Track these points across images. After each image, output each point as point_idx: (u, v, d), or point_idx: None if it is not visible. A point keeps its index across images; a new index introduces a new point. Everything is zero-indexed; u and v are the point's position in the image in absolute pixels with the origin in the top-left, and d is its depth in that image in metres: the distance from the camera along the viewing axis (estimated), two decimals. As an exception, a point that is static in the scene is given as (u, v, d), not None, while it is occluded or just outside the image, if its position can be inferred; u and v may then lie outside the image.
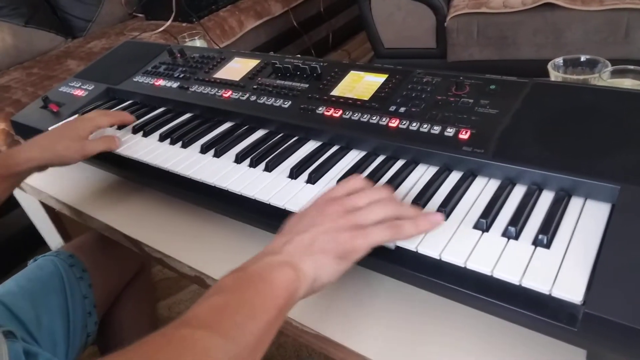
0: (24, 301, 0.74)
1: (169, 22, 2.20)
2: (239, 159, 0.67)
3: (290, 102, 0.72)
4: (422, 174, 0.58)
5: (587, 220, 0.46)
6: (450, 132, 0.58)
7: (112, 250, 0.91)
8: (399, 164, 0.60)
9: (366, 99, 0.68)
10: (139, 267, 1.01)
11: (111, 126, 0.83)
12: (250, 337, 0.39)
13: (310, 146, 0.67)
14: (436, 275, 0.46)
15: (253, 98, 0.77)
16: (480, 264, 0.44)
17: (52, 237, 1.14)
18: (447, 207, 0.50)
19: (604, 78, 0.68)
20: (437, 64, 1.94)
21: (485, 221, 0.47)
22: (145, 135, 0.80)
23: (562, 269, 0.41)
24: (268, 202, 0.59)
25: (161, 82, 0.90)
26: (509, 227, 0.46)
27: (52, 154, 0.72)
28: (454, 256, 0.45)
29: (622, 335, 0.36)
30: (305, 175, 0.61)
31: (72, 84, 1.02)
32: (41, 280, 0.79)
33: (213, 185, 0.64)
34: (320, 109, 0.69)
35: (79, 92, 0.98)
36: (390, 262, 0.48)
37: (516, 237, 0.46)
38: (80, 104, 0.93)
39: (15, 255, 1.40)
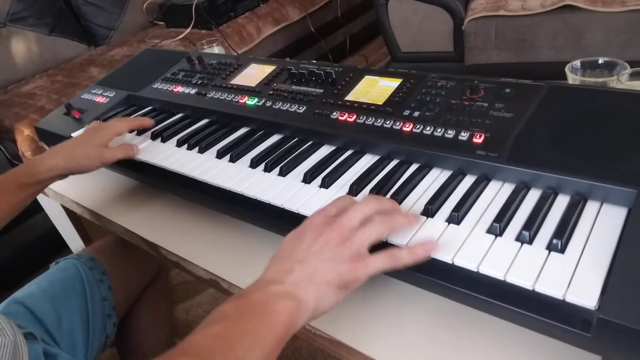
0: (45, 303, 0.76)
1: (188, 30, 2.23)
2: (254, 163, 0.68)
3: (305, 107, 0.73)
4: (436, 178, 0.58)
5: (603, 225, 0.45)
6: (464, 136, 0.57)
7: (131, 254, 0.93)
8: (413, 168, 0.60)
9: (380, 103, 0.68)
10: (158, 270, 1.03)
11: (131, 132, 0.85)
12: None
13: (324, 151, 0.68)
14: (449, 280, 0.46)
15: (269, 104, 0.77)
16: (493, 269, 0.43)
17: (73, 240, 1.17)
18: (460, 211, 0.50)
19: (622, 80, 0.67)
20: (454, 67, 1.93)
21: (498, 225, 0.47)
22: (164, 140, 0.81)
23: (577, 274, 0.41)
24: (282, 206, 0.59)
25: (180, 89, 0.92)
26: (523, 232, 0.46)
27: (72, 162, 0.74)
28: (467, 261, 0.45)
29: (637, 341, 0.35)
30: (318, 180, 0.61)
31: (94, 91, 1.04)
32: (62, 282, 0.81)
33: (228, 189, 0.65)
34: (334, 113, 0.69)
35: (100, 99, 1.00)
36: (405, 268, 0.48)
37: (530, 242, 0.45)
38: (101, 111, 0.96)
39: (39, 258, 1.43)
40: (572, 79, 0.73)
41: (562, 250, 0.43)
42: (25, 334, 0.58)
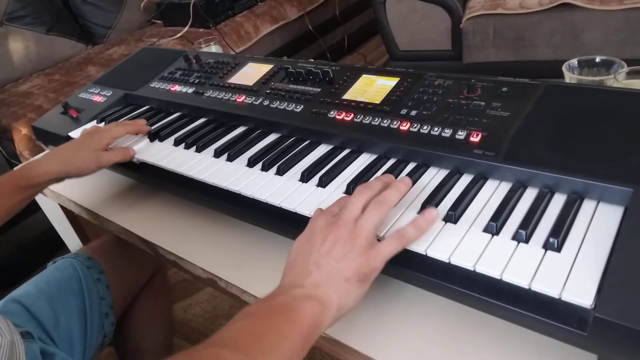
0: (42, 302, 0.76)
1: (186, 28, 2.23)
2: (251, 162, 0.68)
3: (302, 106, 0.73)
4: (433, 177, 0.58)
5: (599, 224, 0.45)
6: (461, 135, 0.57)
7: (129, 253, 0.93)
8: (410, 167, 0.60)
9: (377, 102, 0.68)
10: (155, 269, 1.03)
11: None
12: None
13: (322, 150, 0.68)
14: (445, 279, 0.46)
15: (266, 102, 0.77)
16: (489, 268, 0.43)
17: (71, 239, 1.16)
18: (457, 211, 0.50)
19: (619, 79, 0.67)
20: (453, 66, 1.92)
21: (495, 224, 0.47)
22: (161, 140, 0.81)
23: (573, 272, 0.41)
24: (279, 205, 0.59)
25: (177, 88, 0.91)
26: (520, 231, 0.46)
27: (69, 166, 0.74)
28: (463, 259, 0.45)
29: (632, 340, 0.35)
30: (316, 179, 0.61)
31: (91, 90, 1.04)
32: (59, 281, 0.81)
33: (225, 188, 0.65)
34: (331, 112, 0.69)
35: (97, 98, 1.00)
36: (400, 265, 0.48)
37: (526, 241, 0.45)
38: (99, 110, 0.96)
39: (37, 257, 1.43)
40: (569, 77, 0.73)
41: (558, 249, 0.44)
42: (23, 333, 0.58)
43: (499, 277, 0.43)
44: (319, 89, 0.75)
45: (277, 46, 2.45)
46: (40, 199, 1.10)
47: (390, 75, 0.72)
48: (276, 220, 0.60)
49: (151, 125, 0.86)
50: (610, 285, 0.38)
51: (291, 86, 0.78)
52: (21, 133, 1.69)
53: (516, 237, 0.46)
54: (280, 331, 0.42)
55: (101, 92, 1.02)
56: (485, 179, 0.55)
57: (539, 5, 1.65)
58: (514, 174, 0.52)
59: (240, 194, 0.63)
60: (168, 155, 0.76)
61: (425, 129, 0.60)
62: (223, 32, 2.17)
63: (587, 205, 0.48)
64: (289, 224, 0.58)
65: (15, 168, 1.00)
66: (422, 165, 0.60)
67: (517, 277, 0.42)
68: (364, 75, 0.74)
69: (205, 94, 0.86)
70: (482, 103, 0.61)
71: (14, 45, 2.15)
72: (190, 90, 0.89)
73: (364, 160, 0.64)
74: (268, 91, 0.80)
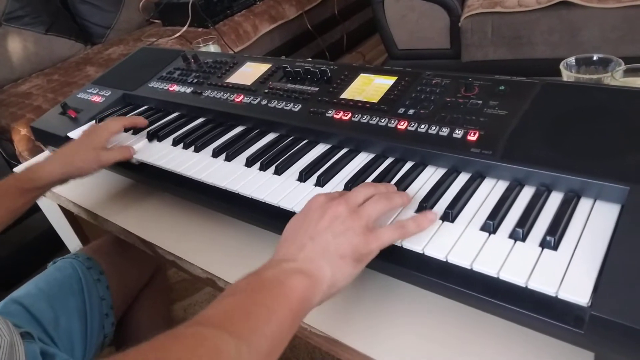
0: (42, 303, 0.76)
1: (185, 28, 2.23)
2: (249, 162, 0.68)
3: (300, 106, 0.73)
4: (430, 175, 0.58)
5: (596, 222, 0.45)
6: (458, 133, 0.58)
7: (129, 253, 0.93)
8: (408, 165, 0.60)
9: (375, 101, 0.68)
10: (155, 269, 1.03)
11: (126, 131, 0.85)
12: (263, 339, 0.39)
13: (320, 149, 0.68)
14: (443, 277, 0.46)
15: (264, 102, 0.77)
16: (486, 266, 0.44)
17: (71, 240, 1.17)
18: (454, 209, 0.50)
19: (616, 77, 0.67)
20: (451, 64, 1.92)
21: (492, 223, 0.47)
22: (159, 140, 0.81)
23: (569, 270, 0.41)
24: (277, 205, 0.59)
25: (175, 88, 0.92)
26: (517, 229, 0.46)
27: (71, 167, 0.75)
28: (461, 258, 0.45)
29: (629, 337, 0.36)
30: (314, 179, 0.62)
31: (90, 91, 1.04)
32: (59, 282, 0.81)
33: (224, 188, 0.65)
34: (329, 112, 0.69)
35: (96, 98, 1.00)
36: (398, 264, 0.49)
37: (523, 239, 0.46)
38: (97, 110, 0.96)
39: (37, 258, 1.43)
40: (567, 75, 0.73)
41: (555, 247, 0.44)
42: (22, 333, 0.58)
43: (496, 276, 0.43)
44: (317, 88, 0.75)
45: (276, 45, 2.45)
46: (39, 199, 1.10)
47: (387, 74, 0.72)
48: (274, 220, 0.60)
49: (150, 125, 0.86)
50: (606, 283, 0.38)
51: (289, 85, 0.78)
52: (20, 133, 1.69)
53: (513, 236, 0.46)
54: (268, 307, 0.41)
55: (100, 92, 1.02)
56: (483, 178, 0.55)
57: (537, 4, 1.65)
58: (511, 172, 0.53)
59: (238, 193, 0.63)
60: (166, 155, 0.76)
61: (422, 128, 0.60)
62: (222, 31, 2.17)
63: (584, 204, 0.48)
64: (287, 223, 0.58)
65: (16, 169, 1.01)
66: (419, 164, 0.60)
67: (514, 275, 0.42)
68: (361, 75, 0.75)
69: (203, 94, 0.86)
70: (480, 102, 0.61)
71: (13, 46, 2.15)
72: (189, 90, 0.89)
73: (362, 159, 0.64)
74: (266, 91, 0.80)
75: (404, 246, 0.48)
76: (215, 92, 0.85)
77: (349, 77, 0.75)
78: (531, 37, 1.70)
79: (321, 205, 0.48)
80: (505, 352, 0.47)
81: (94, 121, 0.93)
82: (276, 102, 0.76)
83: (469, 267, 0.44)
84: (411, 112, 0.64)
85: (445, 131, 0.59)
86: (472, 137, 0.56)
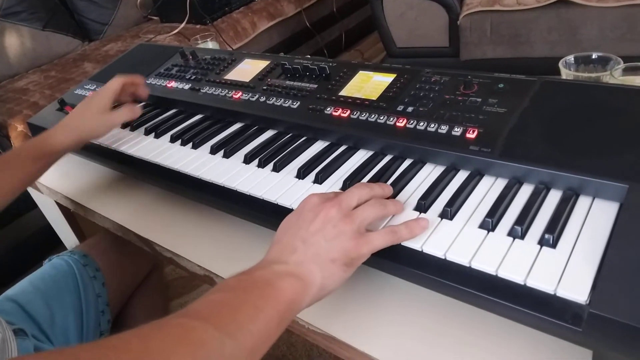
0: (37, 300, 0.76)
1: (182, 25, 2.22)
2: (247, 159, 0.68)
3: (299, 103, 0.73)
4: (429, 173, 0.58)
5: (594, 220, 0.45)
6: (457, 131, 0.57)
7: (125, 250, 0.92)
8: (406, 163, 0.60)
9: (374, 98, 0.68)
10: (152, 266, 1.03)
11: (123, 127, 0.85)
12: (249, 337, 0.39)
13: (318, 146, 0.68)
14: (441, 275, 0.46)
15: (262, 99, 0.77)
16: (484, 264, 0.44)
17: (67, 237, 1.16)
18: (452, 207, 0.50)
19: (615, 76, 0.67)
20: (450, 62, 1.92)
21: (491, 220, 0.47)
22: (157, 136, 0.81)
23: (568, 268, 0.41)
24: (276, 202, 0.59)
25: (173, 84, 0.91)
26: (515, 227, 0.46)
27: (82, 132, 0.77)
28: (459, 256, 0.45)
29: (627, 335, 0.36)
30: (312, 176, 0.61)
31: (87, 87, 1.04)
32: (55, 279, 0.80)
33: (222, 185, 0.65)
34: (328, 109, 0.69)
35: (93, 95, 0.99)
36: (396, 261, 0.48)
37: (522, 237, 0.45)
38: (94, 106, 0.95)
39: (33, 255, 1.43)
40: (566, 74, 0.73)
41: (553, 245, 0.44)
42: (16, 330, 0.57)
43: (494, 273, 0.43)
44: (315, 86, 0.75)
45: (275, 43, 2.44)
46: (36, 196, 1.10)
47: (386, 72, 0.72)
48: (272, 217, 0.59)
49: (147, 121, 0.86)
50: (605, 281, 0.38)
51: (288, 82, 0.78)
52: (17, 130, 1.68)
53: (512, 233, 0.46)
54: (257, 305, 0.41)
55: (97, 89, 1.01)
56: (482, 175, 0.55)
57: (536, 2, 1.65)
58: (510, 170, 0.52)
59: (236, 190, 0.63)
60: (164, 152, 0.76)
61: (421, 126, 0.60)
62: (220, 28, 2.17)
63: (583, 202, 0.48)
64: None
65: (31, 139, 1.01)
66: (418, 162, 0.60)
67: (513, 273, 0.42)
68: (360, 72, 0.74)
69: (201, 91, 0.86)
70: (479, 99, 0.61)
71: (10, 41, 2.14)
72: (187, 86, 0.89)
73: (361, 156, 0.64)
74: (265, 87, 0.79)
75: (402, 243, 0.48)
76: (214, 88, 0.85)
77: (348, 75, 0.75)
78: (530, 35, 1.70)
79: (315, 206, 0.48)
80: (503, 349, 0.47)
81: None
82: (275, 99, 0.76)
83: (467, 265, 0.44)
84: (410, 109, 0.63)
85: (444, 129, 0.58)
86: (471, 134, 0.56)
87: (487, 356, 0.47)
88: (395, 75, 0.71)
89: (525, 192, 0.51)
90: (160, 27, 2.33)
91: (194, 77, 0.90)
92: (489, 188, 0.53)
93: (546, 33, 1.67)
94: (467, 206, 0.51)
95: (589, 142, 0.50)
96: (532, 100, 0.57)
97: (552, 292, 0.40)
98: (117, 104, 0.84)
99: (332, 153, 0.65)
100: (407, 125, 0.61)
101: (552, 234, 0.44)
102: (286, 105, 0.74)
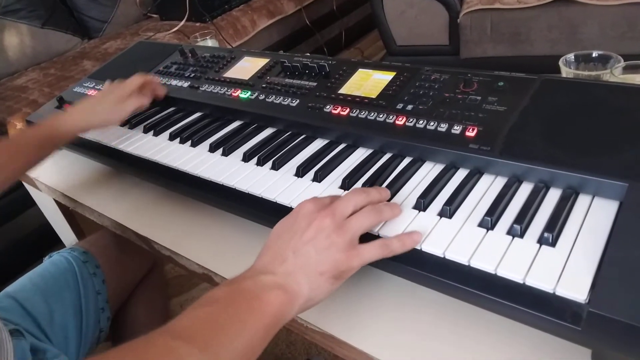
0: (36, 297, 0.76)
1: (182, 22, 2.22)
2: (246, 157, 0.68)
3: (298, 101, 0.73)
4: (429, 171, 0.57)
5: (594, 218, 0.45)
6: (457, 129, 0.57)
7: (125, 247, 0.92)
8: (406, 161, 0.60)
9: (373, 96, 0.68)
10: (152, 264, 1.02)
11: (122, 125, 0.85)
12: (233, 353, 0.39)
13: (317, 144, 0.68)
14: (440, 273, 0.46)
15: (262, 97, 0.77)
16: (483, 262, 0.43)
17: (66, 235, 1.16)
18: (452, 205, 0.50)
19: (615, 74, 0.67)
20: (450, 60, 1.92)
21: (490, 219, 0.47)
22: (156, 134, 0.81)
23: (567, 267, 0.41)
24: (274, 200, 0.59)
25: (172, 82, 0.91)
26: (514, 225, 0.46)
27: (93, 117, 0.79)
28: (458, 254, 0.45)
29: (626, 334, 0.35)
30: (311, 174, 0.61)
31: (87, 85, 1.03)
32: (54, 276, 0.80)
33: (220, 183, 0.65)
34: (327, 107, 0.69)
35: (92, 92, 0.99)
36: (394, 260, 0.48)
37: (521, 235, 0.45)
38: (93, 104, 0.95)
39: (32, 253, 1.43)
40: (566, 72, 0.73)
41: (553, 244, 0.43)
42: (12, 330, 0.57)
43: (493, 272, 0.43)
44: (315, 83, 0.75)
45: (274, 41, 2.44)
46: (35, 194, 1.10)
47: (386, 70, 0.72)
48: (271, 215, 0.59)
49: (146, 119, 0.86)
50: (604, 280, 0.38)
51: (287, 80, 0.78)
52: (16, 127, 1.68)
53: (511, 232, 0.46)
54: (242, 320, 0.41)
55: (96, 87, 1.01)
56: (481, 174, 0.55)
57: (537, 0, 1.65)
58: (510, 168, 0.52)
59: (235, 188, 0.63)
60: (163, 149, 0.75)
61: (421, 124, 0.60)
62: (219, 26, 2.16)
63: (582, 200, 0.48)
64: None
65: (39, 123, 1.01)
66: (417, 160, 0.59)
67: (512, 271, 0.42)
68: (360, 70, 0.74)
69: (200, 88, 0.85)
70: (479, 97, 0.60)
71: (9, 39, 2.14)
72: (186, 84, 0.88)
73: (360, 154, 0.64)
74: (264, 85, 0.79)
75: (401, 242, 0.48)
76: (213, 86, 0.85)
77: (348, 72, 0.74)
78: (530, 34, 1.70)
79: (309, 214, 0.47)
80: (502, 348, 0.47)
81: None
82: (274, 97, 0.76)
83: (466, 264, 0.44)
84: (410, 107, 0.63)
85: (443, 127, 0.58)
86: (471, 132, 0.56)
87: (486, 355, 0.47)
88: (394, 73, 0.70)
89: (524, 190, 0.51)
90: (159, 24, 2.33)
91: (193, 75, 0.90)
92: (489, 186, 0.53)
93: (546, 31, 1.67)
94: (466, 204, 0.51)
95: (589, 141, 0.50)
96: (532, 99, 0.57)
97: (552, 291, 0.40)
98: None
99: (331, 151, 0.65)
100: (407, 124, 0.61)
101: (552, 232, 0.44)
102: (285, 103, 0.73)
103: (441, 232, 0.48)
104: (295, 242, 0.46)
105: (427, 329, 0.50)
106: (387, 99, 0.66)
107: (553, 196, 0.49)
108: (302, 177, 0.62)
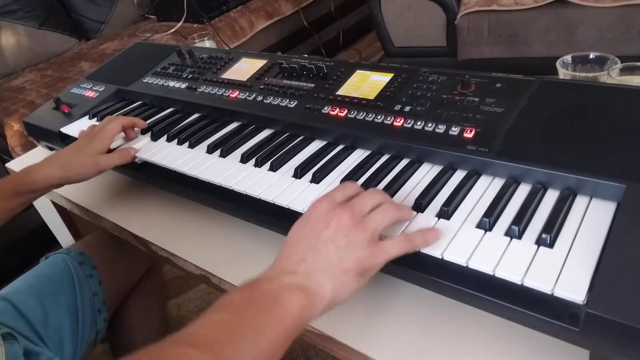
0: (31, 299, 0.75)
1: (180, 23, 2.21)
2: (244, 158, 0.67)
3: (296, 102, 0.73)
4: (426, 172, 0.57)
5: (592, 219, 0.45)
6: (455, 130, 0.57)
7: (122, 249, 0.92)
8: (404, 162, 0.60)
9: (371, 98, 0.68)
10: (150, 265, 1.02)
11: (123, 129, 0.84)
12: None
13: (315, 146, 0.68)
14: (438, 275, 0.46)
15: (260, 98, 0.77)
16: (482, 263, 0.43)
17: (63, 236, 1.16)
18: (450, 206, 0.50)
19: (612, 75, 0.67)
20: (447, 62, 1.92)
21: (488, 220, 0.47)
22: (154, 135, 0.80)
23: (565, 268, 0.41)
24: (272, 202, 0.59)
25: (170, 83, 0.91)
26: (512, 226, 0.46)
27: (69, 172, 0.72)
28: (456, 255, 0.45)
29: (624, 335, 0.36)
30: (309, 175, 0.61)
31: (84, 85, 1.03)
32: (50, 278, 0.80)
33: (218, 185, 0.64)
34: (325, 108, 0.69)
35: (90, 94, 0.99)
36: (393, 261, 0.48)
37: (519, 237, 0.45)
38: (91, 105, 0.95)
39: (29, 254, 1.42)
40: (563, 73, 0.73)
41: (551, 245, 0.44)
42: (4, 334, 0.57)
43: (491, 273, 0.43)
44: (313, 85, 0.75)
45: (272, 42, 2.44)
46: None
47: (384, 71, 0.72)
48: (269, 217, 0.59)
49: (144, 120, 0.85)
50: (602, 281, 0.38)
51: (285, 82, 0.78)
52: (13, 129, 1.68)
53: (509, 233, 0.46)
54: (259, 327, 0.39)
55: (93, 88, 1.01)
56: (479, 175, 0.55)
57: (534, 2, 1.65)
58: (507, 169, 0.52)
59: (233, 190, 0.63)
60: (160, 151, 0.75)
61: (419, 125, 0.60)
62: (217, 27, 2.16)
63: (580, 201, 0.48)
64: (282, 220, 0.58)
65: (9, 165, 1.00)
66: (415, 161, 0.59)
67: (510, 272, 0.42)
68: (358, 71, 0.74)
69: (198, 90, 0.85)
70: (476, 99, 0.60)
71: (6, 40, 2.14)
72: (184, 85, 0.88)
73: (358, 156, 0.64)
74: (262, 86, 0.79)
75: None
76: (211, 87, 0.84)
77: (345, 74, 0.75)
78: (528, 35, 1.70)
79: (326, 212, 0.46)
80: (500, 349, 0.47)
81: (87, 117, 0.91)
82: (272, 98, 0.75)
83: (464, 265, 0.44)
84: (407, 109, 0.63)
85: (441, 128, 0.58)
86: (469, 134, 0.56)
87: (483, 357, 0.47)
88: (392, 74, 0.70)
89: (522, 191, 0.51)
90: (157, 25, 2.33)
91: (190, 76, 0.90)
92: (487, 188, 0.53)
93: (544, 33, 1.67)
94: (464, 206, 0.51)
95: (587, 142, 0.50)
96: (530, 100, 0.57)
97: (550, 292, 0.40)
98: None
99: (329, 152, 0.65)
100: (405, 125, 0.61)
101: (550, 233, 0.44)
102: (283, 104, 0.73)
103: (443, 234, 0.48)
104: (314, 241, 0.44)
105: (425, 329, 0.50)
106: (385, 101, 0.66)
107: (551, 197, 0.49)
108: (300, 178, 0.62)
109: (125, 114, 0.89)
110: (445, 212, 0.50)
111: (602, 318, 0.36)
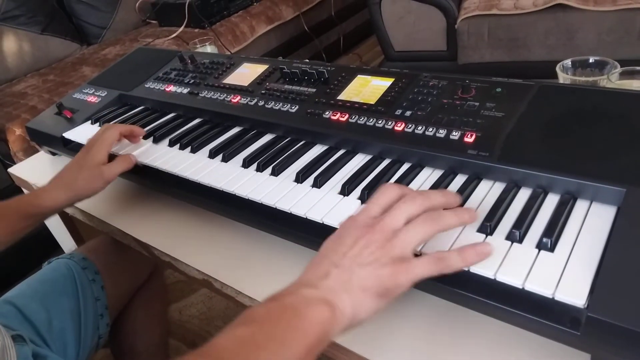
0: (35, 303, 0.75)
1: (181, 29, 2.22)
2: (246, 163, 0.68)
3: (297, 107, 0.73)
4: (427, 177, 0.58)
5: (592, 223, 0.46)
6: (455, 135, 0.58)
7: (125, 253, 0.92)
8: (404, 167, 0.60)
9: (372, 103, 0.68)
10: (152, 269, 1.02)
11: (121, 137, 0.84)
12: None
13: (317, 150, 0.68)
14: (439, 279, 0.45)
15: (261, 103, 0.77)
16: (483, 268, 0.44)
17: (66, 241, 1.16)
18: (451, 211, 0.50)
19: (612, 79, 0.67)
20: (447, 66, 1.93)
21: (489, 224, 0.47)
22: (156, 140, 0.81)
23: (566, 272, 0.41)
24: (274, 206, 0.59)
25: (172, 88, 0.91)
26: (513, 231, 0.46)
27: (75, 191, 0.72)
28: (457, 260, 0.45)
29: (625, 339, 0.36)
30: (311, 180, 0.61)
31: (86, 91, 1.04)
32: (53, 282, 0.80)
33: (220, 189, 0.65)
34: (326, 113, 0.69)
35: (92, 99, 1.00)
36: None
37: (520, 241, 0.46)
38: (93, 110, 0.95)
39: (32, 259, 1.42)
40: (563, 78, 0.74)
41: (551, 249, 0.44)
42: (14, 336, 0.57)
43: (492, 277, 0.43)
44: (314, 90, 0.75)
45: (273, 46, 2.45)
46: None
47: (385, 76, 0.72)
48: (271, 221, 0.60)
49: (146, 125, 0.86)
50: (603, 284, 0.39)
51: (286, 86, 0.78)
52: (15, 134, 1.68)
53: (510, 237, 0.46)
54: (282, 341, 0.38)
55: (96, 93, 1.01)
56: (480, 179, 0.55)
57: (534, 6, 1.66)
58: (508, 174, 0.53)
59: (235, 194, 0.63)
60: (163, 156, 0.76)
61: (419, 130, 0.60)
62: (218, 32, 2.17)
63: (580, 205, 0.48)
64: (283, 224, 0.58)
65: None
66: (416, 166, 0.60)
67: (511, 276, 0.42)
68: (359, 76, 0.75)
69: (200, 95, 0.86)
70: (477, 103, 0.61)
71: (8, 45, 2.15)
72: (185, 90, 0.89)
73: (359, 160, 0.64)
74: (263, 91, 0.80)
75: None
76: (212, 92, 0.85)
77: (346, 79, 0.75)
78: (527, 39, 1.71)
79: (358, 229, 0.44)
80: (501, 353, 0.47)
81: (89, 122, 0.92)
82: (273, 103, 0.76)
83: (466, 269, 0.44)
84: (408, 113, 0.64)
85: (442, 133, 0.59)
86: (469, 138, 0.56)
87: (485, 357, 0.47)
88: (393, 79, 0.71)
89: (523, 195, 0.51)
90: (158, 31, 2.34)
91: (192, 81, 0.90)
92: (487, 192, 0.53)
93: (543, 37, 1.68)
94: (465, 210, 0.51)
95: (587, 146, 0.50)
96: (530, 104, 0.58)
97: (550, 296, 0.40)
98: None
99: (331, 157, 0.66)
100: (405, 130, 0.61)
101: (550, 237, 0.44)
102: (285, 109, 0.74)
103: (440, 238, 0.48)
104: (339, 258, 0.43)
105: (427, 334, 0.50)
106: (385, 105, 0.67)
107: (551, 201, 0.49)
108: (301, 183, 0.62)
109: (127, 119, 0.90)
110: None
111: (603, 322, 0.36)
